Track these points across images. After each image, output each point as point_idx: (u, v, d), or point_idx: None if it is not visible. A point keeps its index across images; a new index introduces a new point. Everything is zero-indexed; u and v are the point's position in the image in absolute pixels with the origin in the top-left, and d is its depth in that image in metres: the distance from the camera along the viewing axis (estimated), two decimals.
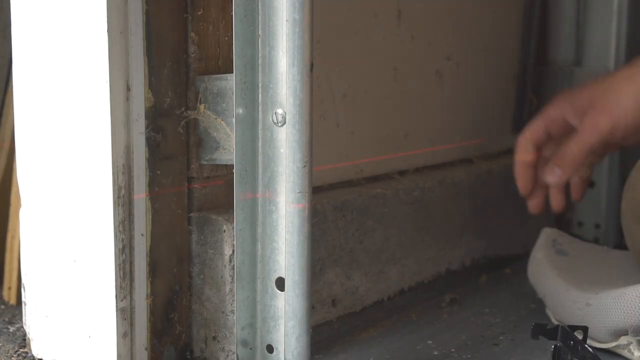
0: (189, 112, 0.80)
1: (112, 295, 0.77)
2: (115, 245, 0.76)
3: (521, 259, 1.08)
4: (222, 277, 0.80)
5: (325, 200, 0.91)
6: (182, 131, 0.80)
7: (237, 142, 0.73)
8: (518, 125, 1.21)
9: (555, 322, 0.89)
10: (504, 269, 1.11)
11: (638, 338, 0.79)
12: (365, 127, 1.03)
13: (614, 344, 0.81)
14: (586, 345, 0.73)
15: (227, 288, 0.80)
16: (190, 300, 0.83)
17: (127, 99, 0.76)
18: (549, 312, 0.93)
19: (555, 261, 0.94)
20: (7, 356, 0.86)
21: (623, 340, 0.80)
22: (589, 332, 0.83)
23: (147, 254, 0.78)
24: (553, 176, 0.96)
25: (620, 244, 1.06)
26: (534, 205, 1.02)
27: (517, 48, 1.29)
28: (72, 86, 0.77)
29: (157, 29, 0.77)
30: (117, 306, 0.77)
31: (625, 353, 0.81)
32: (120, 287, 0.77)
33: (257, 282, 0.76)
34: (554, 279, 0.90)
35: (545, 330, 0.77)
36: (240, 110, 0.73)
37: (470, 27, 1.19)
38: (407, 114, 1.10)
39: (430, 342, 0.88)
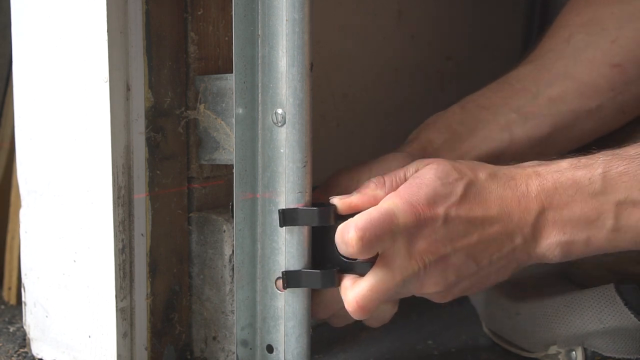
0: (188, 112, 0.80)
1: (112, 295, 0.77)
2: (115, 245, 0.76)
3: None
4: (222, 277, 0.80)
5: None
6: (182, 131, 0.80)
7: (237, 142, 0.73)
8: None
9: (487, 331, 0.88)
10: None
11: (567, 349, 0.78)
12: (365, 127, 1.03)
13: (543, 353, 0.81)
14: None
15: (227, 288, 0.80)
16: (190, 300, 0.83)
17: (127, 98, 0.76)
18: (482, 321, 0.90)
19: None
20: (7, 356, 0.86)
21: (552, 350, 0.80)
22: (519, 342, 0.82)
23: (147, 254, 0.78)
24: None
25: None
26: None
27: (517, 48, 1.29)
28: (72, 86, 0.77)
29: (157, 28, 0.77)
30: (117, 306, 0.77)
31: None
32: (120, 287, 0.77)
33: (257, 282, 0.76)
34: None
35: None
36: (240, 110, 0.73)
37: (470, 27, 1.19)
38: (407, 114, 1.10)
39: (430, 342, 0.88)
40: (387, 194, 0.72)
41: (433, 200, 0.70)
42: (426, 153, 0.82)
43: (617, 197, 0.70)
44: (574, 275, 0.88)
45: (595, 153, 0.72)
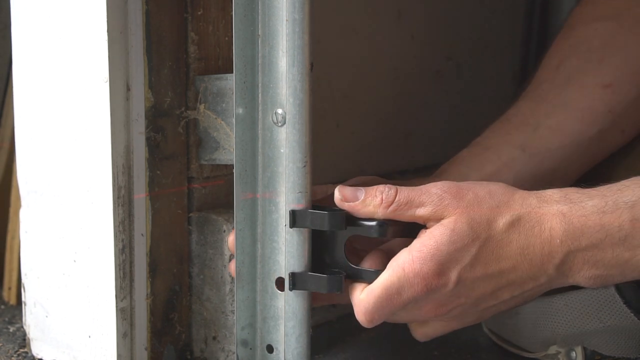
0: (188, 112, 0.80)
1: (112, 295, 0.77)
2: (115, 245, 0.76)
3: None
4: (222, 277, 0.80)
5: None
6: (182, 131, 0.80)
7: (237, 142, 0.73)
8: None
9: (487, 331, 0.88)
10: None
11: (566, 348, 0.78)
12: (365, 127, 1.03)
13: (543, 353, 0.80)
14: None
15: (227, 288, 0.80)
16: (190, 300, 0.83)
17: (127, 98, 0.76)
18: (482, 322, 0.89)
19: None
20: (7, 356, 0.86)
21: (552, 350, 0.79)
22: (519, 342, 0.82)
23: (147, 254, 0.79)
24: None
25: None
26: None
27: (517, 48, 1.29)
28: (72, 86, 0.77)
29: (157, 28, 0.77)
30: (117, 306, 0.77)
31: None
32: (120, 287, 0.77)
33: (257, 282, 0.76)
34: None
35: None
36: (240, 110, 0.73)
37: (470, 27, 1.19)
38: (407, 114, 1.10)
39: (430, 342, 0.88)
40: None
41: (447, 267, 0.69)
42: None
43: None
44: None
45: (622, 191, 0.70)
